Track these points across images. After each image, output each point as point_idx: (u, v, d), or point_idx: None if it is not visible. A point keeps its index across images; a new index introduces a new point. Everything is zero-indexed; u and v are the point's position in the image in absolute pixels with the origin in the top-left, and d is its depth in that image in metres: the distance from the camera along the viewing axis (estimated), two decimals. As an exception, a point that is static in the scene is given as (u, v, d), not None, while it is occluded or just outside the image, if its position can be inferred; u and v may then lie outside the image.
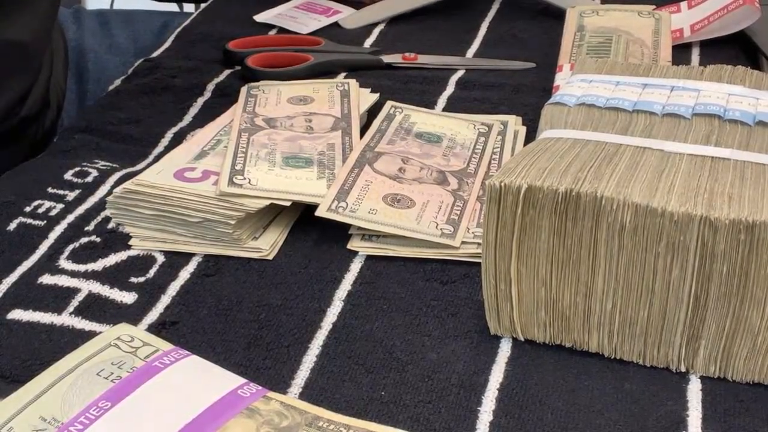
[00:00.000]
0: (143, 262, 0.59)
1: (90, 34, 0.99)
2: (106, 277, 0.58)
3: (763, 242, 0.45)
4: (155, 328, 0.53)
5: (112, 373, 0.45)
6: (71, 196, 0.66)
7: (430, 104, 0.79)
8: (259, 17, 0.96)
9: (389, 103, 0.74)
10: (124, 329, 0.48)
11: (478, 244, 0.58)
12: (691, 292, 0.48)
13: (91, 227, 0.62)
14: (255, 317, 0.54)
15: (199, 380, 0.45)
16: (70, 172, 0.69)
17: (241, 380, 0.45)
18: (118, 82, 0.84)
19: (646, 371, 0.50)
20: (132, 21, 1.02)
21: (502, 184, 0.48)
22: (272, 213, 0.62)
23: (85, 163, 0.70)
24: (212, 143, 0.67)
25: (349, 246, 0.60)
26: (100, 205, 0.64)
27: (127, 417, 0.42)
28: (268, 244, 0.60)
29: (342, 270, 0.58)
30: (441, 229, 0.59)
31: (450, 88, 0.82)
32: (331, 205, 0.60)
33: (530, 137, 0.69)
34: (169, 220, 0.60)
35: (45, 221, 0.63)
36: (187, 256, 0.60)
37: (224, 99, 0.79)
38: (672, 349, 0.50)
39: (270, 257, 0.60)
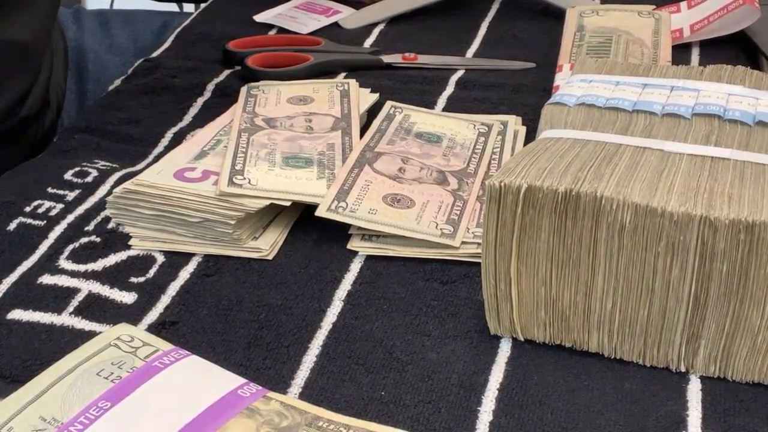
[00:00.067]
0: (143, 262, 0.59)
1: (90, 34, 0.99)
2: (106, 277, 0.58)
3: (762, 242, 0.45)
4: (155, 328, 0.53)
5: (112, 373, 0.45)
6: (71, 196, 0.66)
7: (430, 104, 0.79)
8: (259, 17, 0.96)
9: (389, 103, 0.74)
10: (124, 329, 0.48)
11: (478, 244, 0.58)
12: (691, 291, 0.48)
13: (91, 227, 0.62)
14: (255, 317, 0.54)
15: (199, 380, 0.45)
16: (70, 172, 0.69)
17: (241, 380, 0.45)
18: (118, 82, 0.84)
19: (646, 371, 0.50)
20: (132, 21, 1.02)
21: (502, 183, 0.49)
22: (272, 213, 0.62)
23: (85, 163, 0.70)
24: (212, 143, 0.67)
25: (349, 246, 0.60)
26: (100, 205, 0.64)
27: (127, 417, 0.42)
28: (268, 244, 0.60)
29: (342, 270, 0.58)
30: (441, 229, 0.59)
31: (450, 88, 0.82)
32: (331, 205, 0.60)
33: (530, 137, 0.69)
34: (169, 220, 0.60)
35: (45, 221, 0.63)
36: (187, 256, 0.60)
37: (224, 99, 0.79)
38: (672, 348, 0.50)
39: (270, 257, 0.60)
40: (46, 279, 0.57)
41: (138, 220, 0.61)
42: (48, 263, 0.59)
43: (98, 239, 0.61)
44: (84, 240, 0.61)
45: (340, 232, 0.61)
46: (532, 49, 0.89)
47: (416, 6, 0.97)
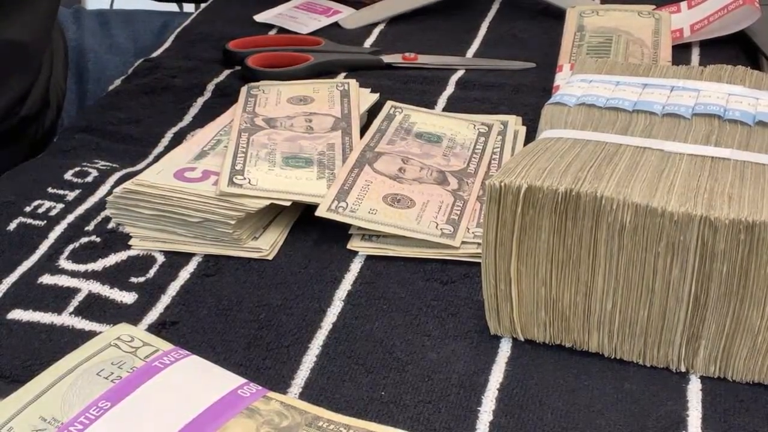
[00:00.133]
0: (143, 262, 0.59)
1: (90, 34, 0.99)
2: (106, 277, 0.58)
3: (763, 242, 0.45)
4: (155, 328, 0.53)
5: (112, 373, 0.45)
6: (71, 196, 0.66)
7: (430, 104, 0.79)
8: (259, 17, 0.96)
9: (389, 103, 0.74)
10: (124, 329, 0.48)
11: (478, 244, 0.58)
12: (691, 291, 0.48)
13: (91, 227, 0.62)
14: (255, 317, 0.54)
15: (199, 380, 0.45)
16: (70, 172, 0.69)
17: (241, 380, 0.45)
18: (118, 82, 0.84)
19: (646, 371, 0.50)
20: (132, 21, 1.02)
21: (502, 184, 0.48)
22: (272, 213, 0.62)
23: (85, 163, 0.70)
24: (212, 143, 0.67)
25: (349, 246, 0.60)
26: (100, 205, 0.64)
27: (127, 417, 0.42)
28: (268, 244, 0.60)
29: (342, 270, 0.58)
30: (441, 229, 0.59)
31: (450, 88, 0.82)
32: (331, 205, 0.60)
33: (530, 137, 0.69)
34: (169, 220, 0.60)
35: (45, 221, 0.63)
36: (187, 256, 0.60)
37: (224, 99, 0.79)
38: (672, 348, 0.50)
39: (270, 257, 0.60)
40: (46, 279, 0.57)
41: (138, 220, 0.61)
42: (48, 263, 0.59)
43: (98, 239, 0.61)
44: (84, 240, 0.61)
45: (340, 232, 0.61)
46: (532, 49, 0.89)
47: (416, 6, 0.97)
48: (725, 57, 0.82)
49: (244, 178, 0.61)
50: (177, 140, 0.74)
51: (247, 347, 0.52)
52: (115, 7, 1.68)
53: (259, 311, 0.55)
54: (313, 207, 0.60)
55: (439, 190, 0.63)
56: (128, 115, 0.78)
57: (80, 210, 0.64)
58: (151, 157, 0.72)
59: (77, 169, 0.69)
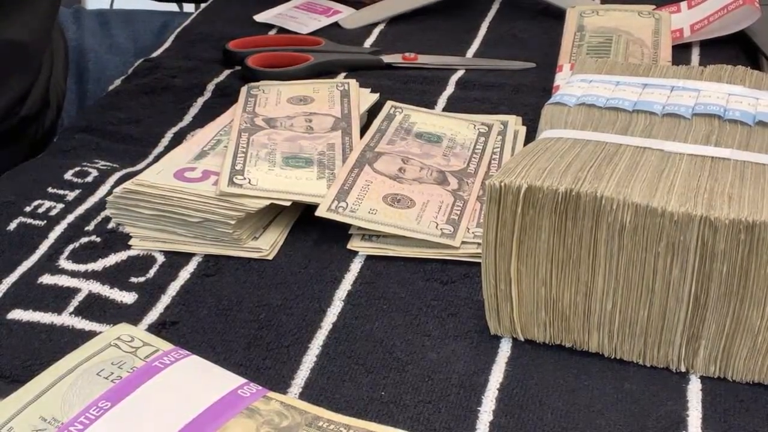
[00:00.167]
0: (143, 262, 0.59)
1: (90, 34, 0.99)
2: (106, 277, 0.58)
3: (763, 242, 0.45)
4: (155, 328, 0.53)
5: (112, 373, 0.45)
6: (71, 196, 0.66)
7: (430, 104, 0.79)
8: (259, 17, 0.96)
9: (389, 103, 0.74)
10: (124, 329, 0.48)
11: (478, 244, 0.58)
12: (691, 292, 0.48)
13: (91, 227, 0.62)
14: (255, 317, 0.54)
15: (199, 380, 0.45)
16: (70, 172, 0.69)
17: (241, 380, 0.45)
18: (118, 82, 0.84)
19: (646, 371, 0.50)
20: (132, 21, 1.03)
21: (502, 184, 0.48)
22: (272, 213, 0.62)
23: (85, 163, 0.70)
24: (212, 143, 0.67)
25: (349, 246, 0.60)
26: (100, 205, 0.64)
27: (127, 417, 0.42)
28: (268, 244, 0.60)
29: (342, 270, 0.58)
30: (441, 229, 0.59)
31: (450, 88, 0.82)
32: (331, 205, 0.60)
33: (530, 137, 0.69)
34: (169, 220, 0.60)
35: (45, 221, 0.63)
36: (187, 256, 0.60)
37: (224, 99, 0.79)
38: (672, 349, 0.50)
39: (270, 257, 0.60)
40: (46, 279, 0.57)
41: (138, 220, 0.61)
42: (48, 263, 0.59)
43: (98, 239, 0.61)
44: (84, 240, 0.61)
45: (340, 232, 0.61)
46: (532, 49, 0.89)
47: (416, 6, 0.97)
48: (725, 57, 0.82)
49: (244, 178, 0.61)
50: (177, 140, 0.74)
51: (247, 347, 0.52)
52: (115, 7, 1.68)
53: (259, 311, 0.55)
54: (313, 207, 0.60)
55: (439, 190, 0.63)
56: (128, 115, 0.78)
57: (80, 210, 0.64)
58: (151, 157, 0.72)
59: (77, 169, 0.69)
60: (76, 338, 0.52)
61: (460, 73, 0.85)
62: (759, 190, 0.48)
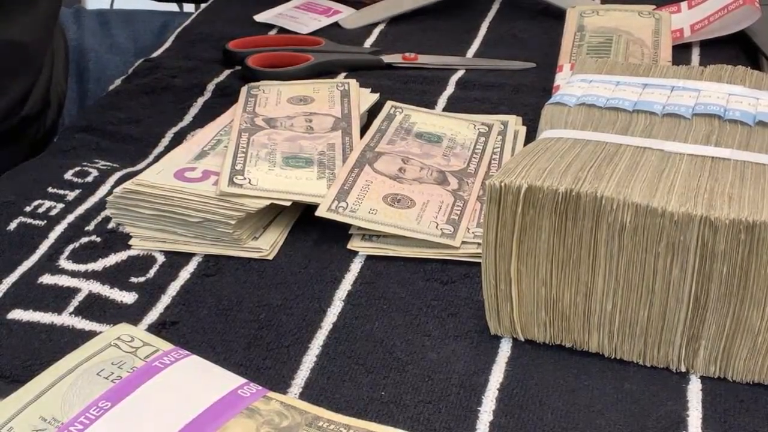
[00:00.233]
0: (143, 262, 0.59)
1: (90, 34, 0.99)
2: (106, 277, 0.58)
3: (763, 242, 0.45)
4: (155, 328, 0.53)
5: (112, 373, 0.45)
6: (71, 195, 0.66)
7: (430, 104, 0.79)
8: (259, 17, 0.96)
9: (389, 103, 0.74)
10: (124, 329, 0.48)
11: (478, 244, 0.58)
12: (691, 292, 0.48)
13: (91, 227, 0.62)
14: (255, 317, 0.54)
15: (199, 380, 0.45)
16: (71, 171, 0.69)
17: (241, 380, 0.45)
18: (118, 82, 0.84)
19: (646, 371, 0.50)
20: (132, 21, 1.03)
21: (502, 184, 0.48)
22: (272, 213, 0.62)
23: (85, 163, 0.70)
24: (212, 143, 0.67)
25: (349, 246, 0.60)
26: (100, 205, 0.64)
27: (127, 417, 0.42)
28: (268, 244, 0.60)
29: (342, 270, 0.58)
30: (441, 229, 0.59)
31: (450, 88, 0.82)
32: (331, 205, 0.60)
33: (530, 137, 0.69)
34: (169, 220, 0.60)
35: (45, 221, 0.63)
36: (187, 256, 0.60)
37: (224, 99, 0.79)
38: (672, 349, 0.50)
39: (270, 257, 0.60)
40: (47, 279, 0.57)
41: (138, 220, 0.61)
42: (48, 263, 0.59)
43: (98, 239, 0.61)
44: (84, 240, 0.61)
45: (340, 232, 0.61)
46: (532, 49, 0.89)
47: (416, 6, 0.97)
48: (725, 57, 0.82)
49: (245, 178, 0.61)
50: (177, 140, 0.74)
51: (247, 347, 0.52)
52: (115, 7, 1.68)
53: (259, 311, 0.55)
54: (313, 207, 0.60)
55: (439, 190, 0.63)
56: (128, 115, 0.78)
57: (80, 210, 0.64)
58: (151, 157, 0.72)
59: (77, 168, 0.69)
60: (76, 338, 0.52)
61: (460, 73, 0.85)
62: (759, 190, 0.48)
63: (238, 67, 0.85)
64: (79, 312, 0.55)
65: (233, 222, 0.59)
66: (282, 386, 0.49)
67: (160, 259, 0.59)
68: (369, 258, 0.59)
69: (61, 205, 0.64)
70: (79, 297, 0.56)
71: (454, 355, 0.51)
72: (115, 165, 0.70)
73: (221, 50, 0.88)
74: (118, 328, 0.49)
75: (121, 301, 0.56)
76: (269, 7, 0.98)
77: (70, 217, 0.63)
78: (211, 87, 0.82)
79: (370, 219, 0.59)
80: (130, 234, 0.61)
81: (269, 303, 0.56)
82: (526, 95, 0.80)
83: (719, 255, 0.46)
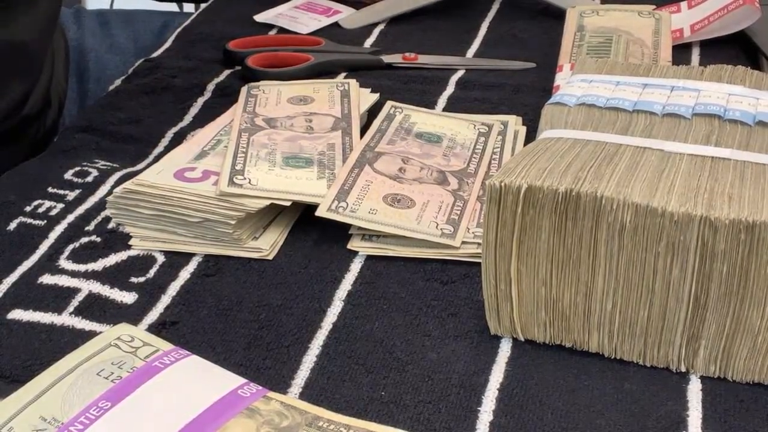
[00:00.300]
0: (143, 262, 0.59)
1: (90, 34, 0.99)
2: (106, 277, 0.58)
3: (763, 242, 0.45)
4: (155, 328, 0.53)
5: (112, 373, 0.45)
6: (71, 195, 0.66)
7: (430, 104, 0.79)
8: (259, 17, 0.96)
9: (389, 103, 0.74)
10: (124, 329, 0.48)
11: (478, 244, 0.58)
12: (691, 292, 0.48)
13: (91, 227, 0.62)
14: (255, 317, 0.54)
15: (199, 380, 0.45)
16: (71, 171, 0.69)
17: (241, 380, 0.45)
18: (118, 82, 0.84)
19: (646, 371, 0.50)
20: (132, 21, 1.03)
21: (502, 184, 0.48)
22: (272, 213, 0.62)
23: (85, 163, 0.70)
24: (212, 143, 0.67)
25: (349, 246, 0.60)
26: (101, 204, 0.65)
27: (127, 417, 0.42)
28: (268, 244, 0.60)
29: (342, 270, 0.58)
30: (441, 229, 0.59)
31: (450, 88, 0.82)
32: (331, 205, 0.60)
33: (530, 137, 0.69)
34: (169, 220, 0.60)
35: (45, 221, 0.63)
36: (187, 256, 0.60)
37: (224, 99, 0.79)
38: (672, 349, 0.50)
39: (270, 257, 0.60)
40: (47, 279, 0.57)
41: (138, 220, 0.61)
42: (48, 263, 0.59)
43: (98, 239, 0.61)
44: (84, 240, 0.61)
45: (340, 232, 0.61)
46: (532, 49, 0.89)
47: (416, 6, 0.97)
48: (725, 57, 0.82)
49: (245, 178, 0.61)
50: (177, 140, 0.74)
51: (247, 347, 0.52)
52: (115, 7, 1.68)
53: (259, 311, 0.55)
54: (313, 207, 0.60)
55: (440, 190, 0.63)
56: (128, 115, 0.78)
57: (80, 210, 0.64)
58: (151, 157, 0.72)
59: (77, 168, 0.69)
60: (76, 338, 0.52)
61: (460, 73, 0.85)
62: (759, 190, 0.48)
63: (238, 67, 0.85)
64: (79, 312, 0.55)
65: (233, 222, 0.59)
66: (282, 386, 0.49)
67: (160, 259, 0.59)
68: (369, 258, 0.59)
69: (61, 205, 0.64)
70: (79, 297, 0.56)
71: (454, 355, 0.51)
72: (115, 165, 0.70)
73: (221, 50, 0.88)
74: (118, 328, 0.49)
75: (121, 301, 0.56)
76: (269, 7, 0.98)
77: (70, 217, 0.63)
78: (211, 87, 0.82)
79: (370, 219, 0.59)
80: (130, 234, 0.61)
81: (269, 303, 0.56)
82: (526, 95, 0.80)
83: (719, 255, 0.46)
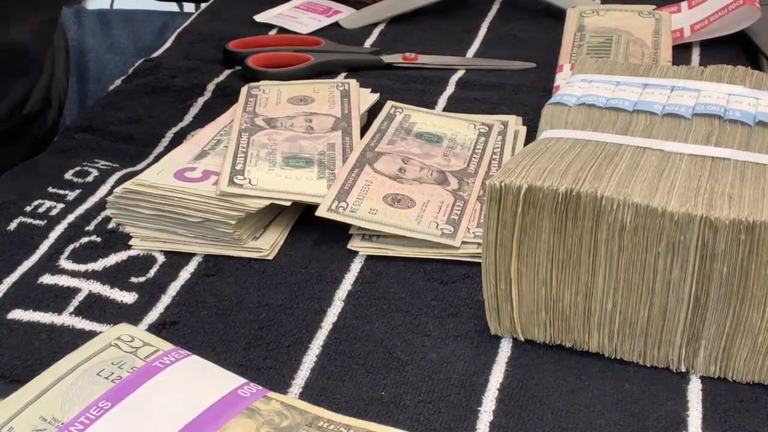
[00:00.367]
0: (143, 262, 0.59)
1: (90, 34, 0.99)
2: (107, 277, 0.58)
3: (763, 242, 0.45)
4: (155, 328, 0.53)
5: (112, 373, 0.45)
6: (71, 195, 0.66)
7: (431, 104, 0.79)
8: (259, 17, 0.96)
9: (389, 103, 0.74)
10: (124, 329, 0.48)
11: (479, 244, 0.58)
12: (691, 292, 0.48)
13: (91, 227, 0.62)
14: (255, 317, 0.54)
15: (199, 380, 0.45)
16: (71, 171, 0.69)
17: (241, 380, 0.45)
18: (118, 81, 0.84)
19: (646, 371, 0.50)
20: (132, 21, 1.03)
21: (503, 184, 0.48)
22: (272, 213, 0.62)
23: (85, 163, 0.70)
24: (212, 143, 0.67)
25: (349, 246, 0.60)
26: (101, 204, 0.65)
27: (127, 417, 0.42)
28: (268, 244, 0.60)
29: (342, 270, 0.58)
30: (441, 229, 0.59)
31: (450, 88, 0.82)
32: (331, 205, 0.60)
33: (530, 137, 0.69)
34: (170, 220, 0.60)
35: (45, 221, 0.63)
36: (188, 256, 0.60)
37: (224, 99, 0.79)
38: (672, 349, 0.50)
39: (270, 257, 0.60)
40: (47, 279, 0.57)
41: (138, 220, 0.61)
42: (48, 263, 0.59)
43: (99, 239, 0.61)
44: (84, 240, 0.61)
45: (340, 232, 0.61)
46: (532, 49, 0.89)
47: (416, 6, 0.97)
48: (725, 57, 0.82)
49: (245, 178, 0.61)
50: (177, 140, 0.74)
51: (247, 347, 0.52)
52: (115, 7, 1.68)
53: (259, 311, 0.55)
54: (313, 207, 0.60)
55: (440, 190, 0.63)
56: (129, 115, 0.78)
57: (80, 210, 0.64)
58: (151, 157, 0.72)
59: (78, 168, 0.69)
60: (76, 338, 0.52)
61: (460, 73, 0.85)
62: (759, 190, 0.48)
63: (238, 67, 0.85)
64: (79, 312, 0.55)
65: (233, 222, 0.59)
66: (282, 386, 0.49)
67: (160, 259, 0.59)
68: (369, 258, 0.59)
69: (61, 205, 0.64)
70: (79, 297, 0.56)
71: (454, 355, 0.51)
72: (115, 165, 0.70)
73: (221, 50, 0.88)
74: (118, 328, 0.49)
75: (121, 301, 0.56)
76: (269, 7, 0.98)
77: (71, 217, 0.63)
78: (211, 87, 0.82)
79: (370, 219, 0.59)
80: (130, 234, 0.61)
81: (269, 303, 0.56)
82: (526, 95, 0.80)
83: (719, 255, 0.46)
